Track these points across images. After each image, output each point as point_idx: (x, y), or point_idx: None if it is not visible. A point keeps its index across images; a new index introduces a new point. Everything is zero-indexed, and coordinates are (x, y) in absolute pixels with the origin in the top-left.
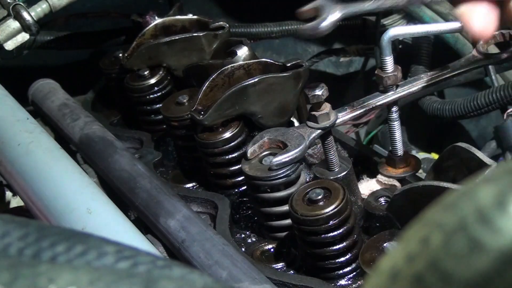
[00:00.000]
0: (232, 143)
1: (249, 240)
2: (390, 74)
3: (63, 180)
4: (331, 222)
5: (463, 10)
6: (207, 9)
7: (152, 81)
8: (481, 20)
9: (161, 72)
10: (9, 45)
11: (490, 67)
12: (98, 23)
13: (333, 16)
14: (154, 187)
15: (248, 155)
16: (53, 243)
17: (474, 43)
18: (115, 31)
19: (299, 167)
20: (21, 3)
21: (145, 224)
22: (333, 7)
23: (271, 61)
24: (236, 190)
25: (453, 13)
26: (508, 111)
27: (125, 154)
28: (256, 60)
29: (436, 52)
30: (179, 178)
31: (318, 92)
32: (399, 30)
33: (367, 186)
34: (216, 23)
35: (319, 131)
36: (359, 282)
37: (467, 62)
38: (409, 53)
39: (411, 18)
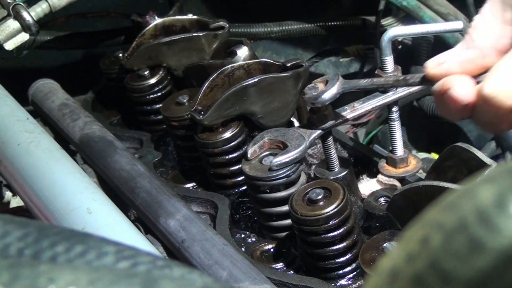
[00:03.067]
0: (232, 143)
1: (249, 240)
2: (390, 74)
3: (63, 180)
4: (331, 222)
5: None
6: (207, 9)
7: (152, 81)
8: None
9: (161, 72)
10: (9, 45)
11: None
12: (98, 23)
13: (333, 89)
14: (154, 187)
15: (248, 155)
16: (53, 243)
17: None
18: (115, 31)
19: (299, 168)
20: (21, 3)
21: (145, 224)
22: (336, 81)
23: (271, 61)
24: (236, 190)
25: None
26: None
27: (125, 154)
28: (256, 60)
29: (436, 52)
30: (179, 178)
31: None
32: (399, 30)
33: (367, 186)
34: (216, 23)
35: (319, 131)
36: (359, 282)
37: None
38: (409, 53)
39: (411, 18)
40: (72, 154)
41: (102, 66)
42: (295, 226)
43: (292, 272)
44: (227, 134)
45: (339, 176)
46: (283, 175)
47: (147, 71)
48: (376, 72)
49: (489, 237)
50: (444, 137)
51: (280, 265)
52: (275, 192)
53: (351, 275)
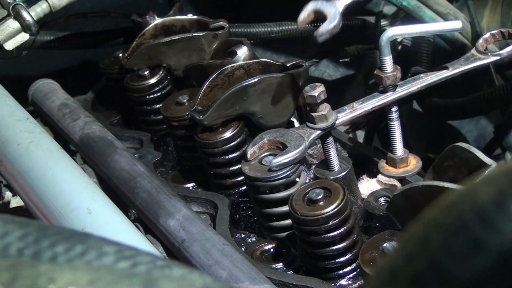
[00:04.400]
0: (232, 143)
1: (249, 240)
2: (389, 74)
3: (63, 180)
4: (331, 222)
5: None
6: (207, 9)
7: (152, 81)
8: None
9: (161, 72)
10: (9, 45)
11: (490, 66)
12: (98, 23)
13: (337, 11)
14: (154, 187)
15: (248, 156)
16: (53, 243)
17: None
18: (115, 31)
19: (299, 168)
20: (21, 3)
21: (145, 224)
22: (330, 3)
23: (271, 61)
24: (236, 190)
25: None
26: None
27: (125, 154)
28: (256, 60)
29: (436, 52)
30: (179, 178)
31: (315, 93)
32: (398, 30)
33: (367, 186)
34: (216, 23)
35: (318, 131)
36: (359, 282)
37: (466, 61)
38: (409, 53)
39: (411, 18)
40: (72, 154)
41: (102, 66)
42: (295, 226)
43: (292, 272)
44: (227, 134)
45: (339, 176)
46: (282, 176)
47: (147, 71)
48: (375, 72)
49: (489, 237)
50: (444, 137)
51: (280, 265)
52: (275, 192)
53: (351, 275)
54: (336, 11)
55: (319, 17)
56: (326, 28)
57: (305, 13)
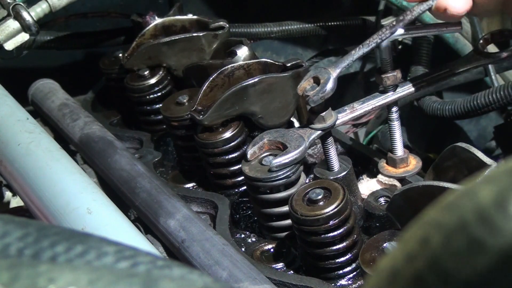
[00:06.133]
0: (232, 143)
1: (249, 240)
2: (389, 75)
3: (63, 180)
4: (331, 222)
5: None
6: (207, 9)
7: (152, 81)
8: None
9: (161, 72)
10: (9, 45)
11: (490, 67)
12: (98, 23)
13: (332, 79)
14: (154, 187)
15: (248, 156)
16: (53, 243)
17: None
18: (115, 31)
19: (299, 168)
20: (21, 3)
21: (145, 224)
22: (327, 70)
23: (271, 61)
24: (236, 190)
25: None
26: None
27: (125, 154)
28: (256, 60)
29: (436, 52)
30: (179, 178)
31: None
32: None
33: (367, 186)
34: (216, 23)
35: (319, 132)
36: (359, 282)
37: (466, 61)
38: (409, 54)
39: None
40: (72, 154)
41: (102, 66)
42: (295, 226)
43: (292, 272)
44: (227, 134)
45: (339, 176)
46: (282, 176)
47: (147, 71)
48: (375, 72)
49: (489, 237)
50: (444, 137)
51: (280, 265)
52: (275, 192)
53: (351, 275)
54: (328, 77)
55: (317, 82)
56: (317, 94)
57: (304, 80)
